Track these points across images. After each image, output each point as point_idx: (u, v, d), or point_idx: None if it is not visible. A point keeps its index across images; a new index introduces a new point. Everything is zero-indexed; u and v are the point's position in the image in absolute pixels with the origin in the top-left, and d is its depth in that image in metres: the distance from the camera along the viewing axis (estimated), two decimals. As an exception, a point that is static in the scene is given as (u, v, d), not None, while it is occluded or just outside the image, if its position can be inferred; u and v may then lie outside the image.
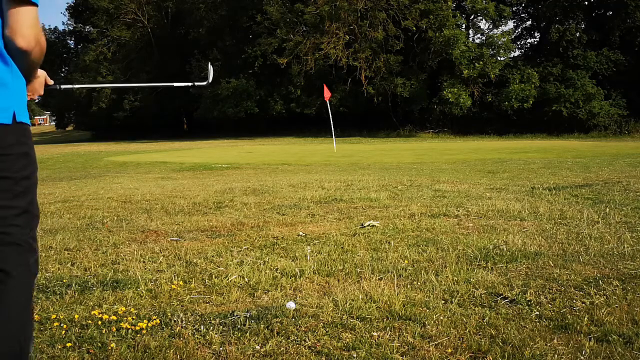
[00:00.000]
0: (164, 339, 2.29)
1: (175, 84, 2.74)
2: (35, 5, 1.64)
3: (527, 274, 3.07)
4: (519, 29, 38.82)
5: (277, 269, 3.27)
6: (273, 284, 2.98)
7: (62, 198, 6.96)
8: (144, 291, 2.91)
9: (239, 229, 4.61)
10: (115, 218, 5.25)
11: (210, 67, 2.96)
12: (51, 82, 2.11)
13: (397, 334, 2.29)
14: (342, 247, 3.81)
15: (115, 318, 2.50)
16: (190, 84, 2.75)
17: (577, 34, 33.74)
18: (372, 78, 33.33)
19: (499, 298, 2.69)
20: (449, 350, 2.13)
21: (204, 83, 2.84)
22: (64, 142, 38.68)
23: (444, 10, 32.33)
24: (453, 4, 34.10)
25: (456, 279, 2.99)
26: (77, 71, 43.50)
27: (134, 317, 2.53)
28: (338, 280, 3.04)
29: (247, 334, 2.31)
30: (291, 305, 2.57)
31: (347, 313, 2.52)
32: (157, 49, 42.92)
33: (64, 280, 3.12)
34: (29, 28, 1.62)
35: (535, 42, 38.32)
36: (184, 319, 2.54)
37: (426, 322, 2.39)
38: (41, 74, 2.01)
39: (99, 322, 2.36)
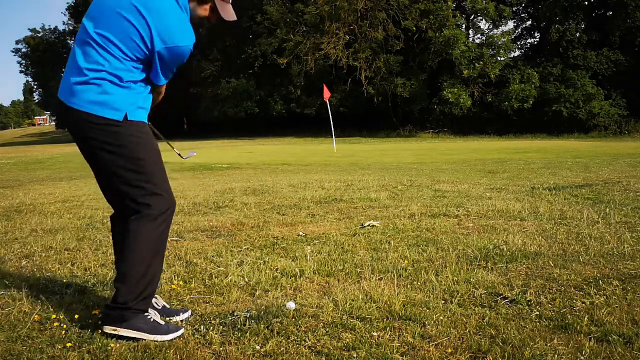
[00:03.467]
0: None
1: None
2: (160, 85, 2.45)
3: (527, 274, 3.07)
4: (519, 29, 38.87)
5: (277, 269, 3.27)
6: (273, 284, 2.98)
7: (62, 198, 6.96)
8: (144, 291, 2.90)
9: (239, 229, 4.61)
10: (115, 218, 5.23)
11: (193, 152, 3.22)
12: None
13: (397, 334, 2.29)
14: (342, 247, 3.81)
15: (115, 318, 2.49)
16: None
17: (577, 34, 33.76)
18: (372, 78, 33.35)
19: (499, 298, 2.69)
20: (449, 350, 2.13)
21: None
22: (64, 142, 38.62)
23: (444, 10, 32.34)
24: (453, 4, 34.11)
25: (456, 279, 2.99)
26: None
27: (134, 317, 2.52)
28: (338, 280, 3.04)
29: (247, 334, 2.31)
30: (291, 305, 2.57)
31: (347, 313, 2.52)
32: (157, 48, 42.93)
33: (64, 280, 3.12)
34: (159, 94, 2.57)
35: (535, 42, 38.35)
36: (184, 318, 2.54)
37: (426, 322, 2.39)
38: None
39: (99, 322, 2.36)
